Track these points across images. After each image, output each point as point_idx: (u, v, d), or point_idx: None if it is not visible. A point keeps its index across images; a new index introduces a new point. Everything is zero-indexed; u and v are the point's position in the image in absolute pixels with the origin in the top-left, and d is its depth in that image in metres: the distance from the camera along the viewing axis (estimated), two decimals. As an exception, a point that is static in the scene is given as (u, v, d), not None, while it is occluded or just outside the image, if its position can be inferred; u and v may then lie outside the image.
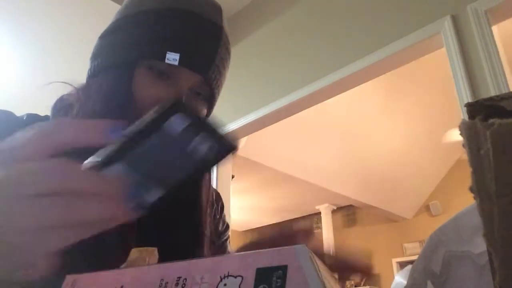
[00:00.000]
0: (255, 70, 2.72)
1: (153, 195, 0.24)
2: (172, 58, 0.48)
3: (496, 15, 1.69)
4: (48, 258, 0.23)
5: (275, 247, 0.22)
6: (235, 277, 0.22)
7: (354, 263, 0.53)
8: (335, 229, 6.70)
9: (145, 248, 0.39)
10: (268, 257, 0.22)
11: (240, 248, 0.56)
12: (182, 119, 0.24)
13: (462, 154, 5.43)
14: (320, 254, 0.51)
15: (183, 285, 0.24)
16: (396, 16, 2.02)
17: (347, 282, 6.76)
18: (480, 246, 0.29)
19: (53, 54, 3.05)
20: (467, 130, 0.21)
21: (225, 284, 0.22)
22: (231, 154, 0.24)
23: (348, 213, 7.17)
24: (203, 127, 0.24)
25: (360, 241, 6.97)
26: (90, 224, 0.24)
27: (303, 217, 7.70)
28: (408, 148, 5.08)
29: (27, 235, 0.22)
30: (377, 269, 6.68)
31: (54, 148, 0.25)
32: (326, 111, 3.97)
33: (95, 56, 0.54)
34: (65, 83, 0.53)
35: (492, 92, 1.57)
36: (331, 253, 0.52)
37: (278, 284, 0.21)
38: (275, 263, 0.22)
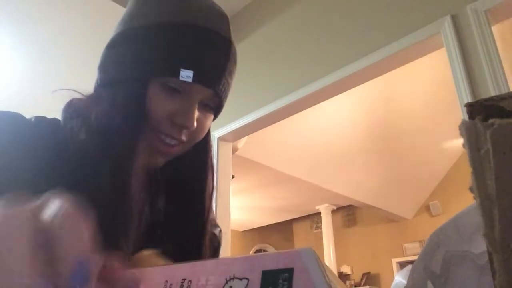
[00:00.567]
0: (255, 70, 2.72)
1: None
2: (186, 75, 0.49)
3: (496, 15, 1.69)
4: None
5: None
6: (241, 279, 0.22)
7: None
8: (335, 229, 6.70)
9: (150, 251, 0.39)
10: (274, 260, 0.22)
11: None
12: None
13: (462, 154, 5.43)
14: None
15: (188, 287, 0.24)
16: (396, 16, 2.02)
17: (347, 282, 6.76)
18: (480, 246, 0.29)
19: (53, 55, 3.05)
20: (467, 130, 0.21)
21: (230, 286, 0.22)
22: None
23: (348, 213, 7.17)
24: None
25: (360, 241, 6.98)
26: None
27: (303, 217, 7.70)
28: (408, 147, 5.09)
29: None
30: (377, 269, 6.68)
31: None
32: (327, 111, 3.97)
33: (104, 67, 0.54)
34: (72, 90, 0.54)
35: (492, 92, 1.57)
36: None
37: (285, 286, 0.20)
38: (281, 265, 0.21)
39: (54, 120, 0.54)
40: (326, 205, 6.61)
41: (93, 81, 0.56)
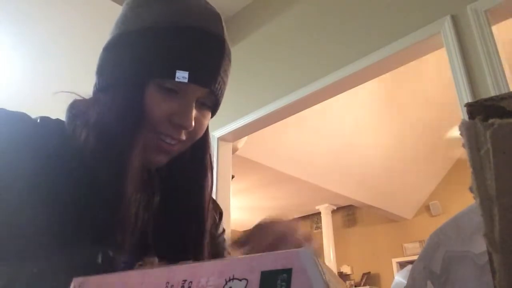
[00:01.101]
0: (255, 70, 2.72)
1: None
2: (182, 76, 0.51)
3: (496, 15, 1.69)
4: None
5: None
6: (240, 280, 0.22)
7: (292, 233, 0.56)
8: (335, 229, 6.71)
9: (152, 258, 0.40)
10: (272, 260, 0.22)
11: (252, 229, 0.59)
12: None
13: (462, 154, 5.43)
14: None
15: None
16: (396, 16, 2.02)
17: (347, 282, 6.76)
18: (480, 246, 0.29)
19: (53, 55, 3.05)
20: (467, 130, 0.21)
21: (230, 287, 0.22)
22: None
23: (348, 213, 7.18)
24: None
25: (360, 241, 6.98)
26: None
27: (303, 217, 7.70)
28: (409, 148, 5.09)
29: None
30: (377, 269, 6.68)
31: None
32: (326, 111, 3.97)
33: (101, 70, 0.55)
34: (72, 92, 0.55)
35: (492, 92, 1.57)
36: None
37: (283, 287, 0.21)
38: (279, 266, 0.22)
39: (58, 120, 0.55)
40: (326, 205, 6.61)
41: (92, 81, 0.57)
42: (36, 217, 0.43)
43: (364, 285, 6.56)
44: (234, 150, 3.24)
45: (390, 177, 5.35)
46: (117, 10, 0.57)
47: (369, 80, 2.23)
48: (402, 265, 6.30)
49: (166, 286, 0.25)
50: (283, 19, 2.67)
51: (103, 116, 0.51)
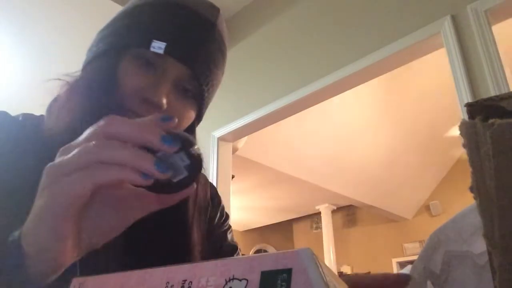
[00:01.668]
0: (255, 70, 2.73)
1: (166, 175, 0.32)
2: (157, 46, 0.47)
3: (496, 15, 1.69)
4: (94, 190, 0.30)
5: None
6: (240, 280, 0.22)
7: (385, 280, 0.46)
8: (335, 229, 6.70)
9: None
10: (273, 260, 0.22)
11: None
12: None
13: (462, 154, 5.43)
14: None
15: None
16: (396, 16, 2.02)
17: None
18: (480, 246, 0.29)
19: (54, 55, 3.05)
20: (467, 130, 0.21)
21: (230, 287, 0.22)
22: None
23: (348, 213, 7.17)
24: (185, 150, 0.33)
25: (360, 241, 6.98)
26: (119, 166, 0.30)
27: (303, 217, 7.70)
28: (408, 148, 5.09)
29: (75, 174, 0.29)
30: (377, 269, 6.68)
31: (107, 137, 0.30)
32: (326, 111, 3.97)
33: (89, 49, 0.54)
34: (60, 79, 0.52)
35: (492, 92, 1.57)
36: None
37: (283, 287, 0.21)
38: (280, 266, 0.22)
39: (41, 116, 0.53)
40: (326, 205, 6.61)
41: None
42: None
43: (364, 285, 6.55)
44: (234, 150, 3.24)
45: (390, 177, 5.35)
46: (118, 10, 0.57)
47: (369, 80, 2.23)
48: (402, 265, 6.30)
49: (166, 286, 0.25)
50: (283, 19, 2.67)
51: (71, 92, 0.49)
